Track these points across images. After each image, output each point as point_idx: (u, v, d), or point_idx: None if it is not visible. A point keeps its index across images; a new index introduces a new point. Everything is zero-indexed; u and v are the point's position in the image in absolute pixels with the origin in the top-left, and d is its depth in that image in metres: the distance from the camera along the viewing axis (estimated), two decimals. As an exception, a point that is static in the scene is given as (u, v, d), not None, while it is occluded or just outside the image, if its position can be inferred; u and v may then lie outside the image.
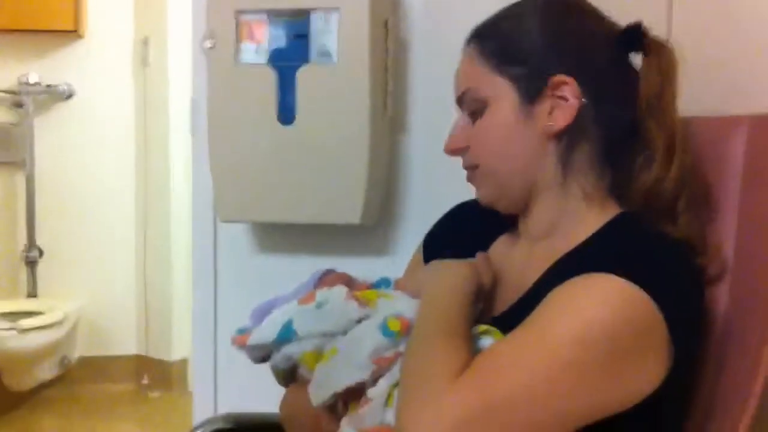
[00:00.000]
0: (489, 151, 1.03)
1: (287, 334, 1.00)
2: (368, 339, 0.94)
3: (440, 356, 0.85)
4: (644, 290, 0.84)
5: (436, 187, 1.72)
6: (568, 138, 0.99)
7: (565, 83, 0.98)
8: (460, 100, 1.06)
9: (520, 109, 1.00)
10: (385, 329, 0.93)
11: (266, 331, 1.02)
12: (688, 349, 0.89)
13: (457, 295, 0.95)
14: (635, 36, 1.01)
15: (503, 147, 1.02)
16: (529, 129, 1.00)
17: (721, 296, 0.95)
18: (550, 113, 0.99)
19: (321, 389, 0.95)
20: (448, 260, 1.04)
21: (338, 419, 0.95)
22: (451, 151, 1.06)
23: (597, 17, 1.04)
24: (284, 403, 1.08)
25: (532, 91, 0.99)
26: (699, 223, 0.97)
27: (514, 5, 1.06)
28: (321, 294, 1.02)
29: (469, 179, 1.08)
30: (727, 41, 1.10)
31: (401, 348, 0.92)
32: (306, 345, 0.99)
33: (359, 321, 0.97)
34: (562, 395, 0.83)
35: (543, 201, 1.03)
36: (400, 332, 0.93)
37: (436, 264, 1.06)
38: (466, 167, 1.07)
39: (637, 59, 1.02)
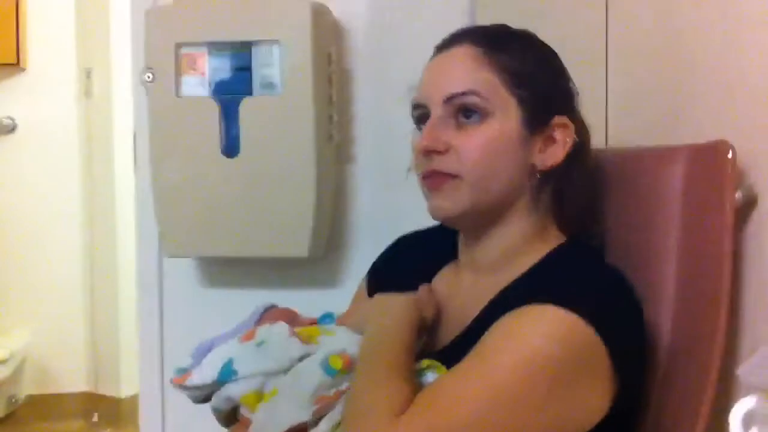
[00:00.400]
0: (480, 161, 0.98)
1: (227, 374, 0.98)
2: (310, 377, 0.93)
3: (383, 392, 0.85)
4: (584, 319, 0.85)
5: (384, 217, 1.71)
6: (544, 176, 1.01)
7: (565, 126, 1.00)
8: (450, 99, 0.99)
9: (521, 133, 0.99)
10: (326, 367, 0.92)
11: (206, 371, 1.00)
12: (632, 375, 0.91)
13: (399, 330, 0.95)
14: None
15: (495, 162, 0.98)
16: (520, 154, 0.99)
17: (664, 323, 0.96)
18: (541, 150, 1.00)
19: (263, 431, 0.93)
20: (389, 294, 1.03)
21: None
22: (428, 151, 0.99)
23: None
24: None
25: (536, 120, 0.99)
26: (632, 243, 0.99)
27: (516, 30, 1.06)
28: (262, 331, 1.01)
29: (432, 186, 1.00)
30: (665, 71, 1.12)
31: (343, 386, 0.91)
32: (247, 385, 0.97)
33: (301, 359, 0.95)
34: (508, 426, 0.83)
35: (504, 228, 1.02)
36: (342, 369, 0.92)
37: (378, 298, 1.05)
38: (435, 172, 1.00)
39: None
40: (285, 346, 0.97)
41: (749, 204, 0.91)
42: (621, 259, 1.01)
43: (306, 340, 0.98)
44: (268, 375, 0.96)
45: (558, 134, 1.00)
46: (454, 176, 0.98)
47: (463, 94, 0.98)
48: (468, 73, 0.99)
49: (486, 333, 0.88)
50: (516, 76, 0.99)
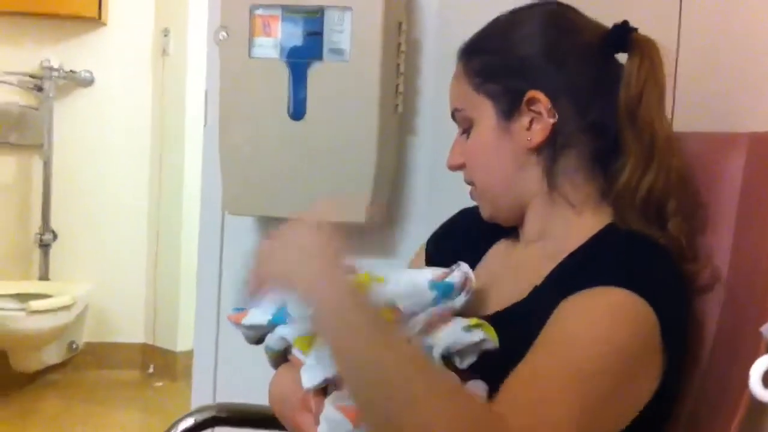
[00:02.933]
0: (478, 169, 1.07)
1: (281, 317, 1.01)
2: None
3: (442, 399, 0.76)
4: (646, 300, 0.86)
5: (442, 190, 1.71)
6: (550, 150, 1.01)
7: (537, 99, 1.00)
8: (453, 118, 1.10)
9: (499, 127, 1.03)
10: None
11: (261, 312, 1.03)
12: (676, 357, 0.91)
13: (350, 300, 0.83)
14: (619, 35, 1.02)
15: (488, 165, 1.05)
16: (509, 145, 1.03)
17: (713, 306, 0.96)
18: (528, 128, 1.01)
19: (313, 374, 0.95)
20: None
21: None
22: (451, 167, 1.11)
23: (581, 27, 1.04)
24: (274, 382, 1.08)
25: (509, 107, 1.02)
26: (688, 230, 0.98)
27: (500, 19, 1.08)
28: None
29: (471, 195, 1.12)
30: (733, 57, 1.10)
31: None
32: (299, 328, 1.00)
33: None
34: (598, 412, 0.83)
35: (533, 210, 1.05)
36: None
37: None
38: (467, 183, 1.10)
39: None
40: None
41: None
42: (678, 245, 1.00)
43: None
44: None
45: (537, 107, 1.00)
46: (474, 185, 1.09)
47: (453, 114, 1.10)
48: (453, 91, 1.10)
49: (552, 321, 0.88)
50: (480, 75, 1.04)
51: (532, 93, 1.00)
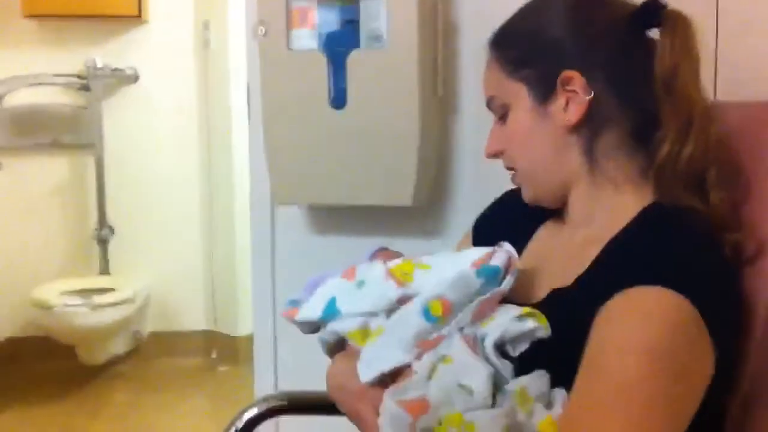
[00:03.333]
0: (518, 154, 1.08)
1: (332, 312, 1.04)
2: (412, 323, 0.97)
3: None
4: (687, 297, 0.86)
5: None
6: (588, 128, 1.02)
7: (572, 78, 1.00)
8: (489, 106, 1.11)
9: (535, 110, 1.04)
10: (427, 314, 0.96)
11: (312, 308, 1.06)
12: (726, 342, 0.90)
13: None
14: (651, 12, 1.01)
15: (527, 149, 1.06)
16: (547, 127, 1.03)
17: (763, 278, 0.95)
18: (565, 109, 1.01)
19: (369, 368, 0.98)
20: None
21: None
22: (489, 155, 1.12)
23: (608, 2, 1.05)
24: (331, 372, 1.10)
25: (544, 90, 1.03)
26: (731, 200, 0.97)
27: (527, 5, 1.09)
28: (360, 271, 1.06)
29: (513, 180, 1.12)
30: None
31: (444, 331, 0.95)
32: (351, 323, 1.03)
33: (399, 299, 0.99)
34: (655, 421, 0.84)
35: (576, 192, 1.06)
36: (442, 315, 0.95)
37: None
38: (507, 168, 1.12)
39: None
40: (382, 288, 1.01)
41: None
42: (722, 221, 1.00)
43: (401, 278, 1.01)
44: (369, 315, 1.02)
45: (573, 86, 1.01)
46: (515, 170, 1.11)
47: (488, 102, 1.11)
48: (487, 80, 1.11)
49: (595, 332, 0.88)
50: (513, 62, 1.05)
51: (566, 72, 1.01)
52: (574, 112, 1.01)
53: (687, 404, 0.87)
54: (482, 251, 1.02)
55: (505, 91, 1.07)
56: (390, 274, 1.02)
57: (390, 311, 1.01)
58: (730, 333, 0.92)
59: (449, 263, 1.02)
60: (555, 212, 1.13)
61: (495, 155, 1.12)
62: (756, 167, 0.99)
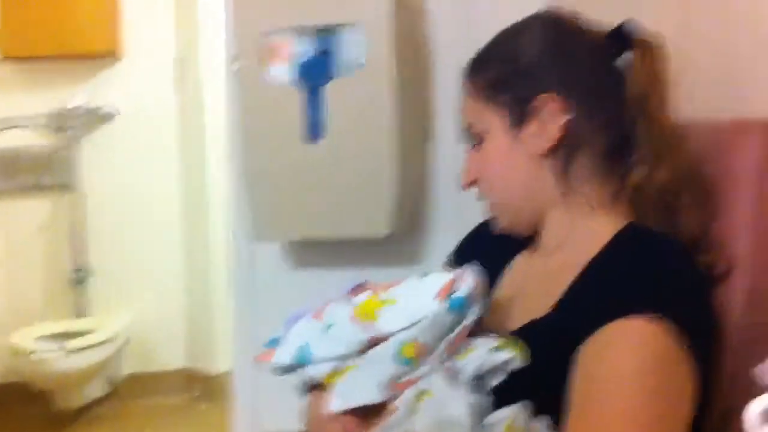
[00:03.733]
0: (492, 181, 1.08)
1: (303, 358, 1.02)
2: (386, 365, 0.95)
3: None
4: (668, 321, 0.87)
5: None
6: (563, 153, 1.02)
7: (547, 101, 1.00)
8: (465, 135, 1.11)
9: (510, 136, 1.04)
10: (399, 358, 0.94)
11: (284, 353, 1.04)
12: (706, 364, 0.91)
13: None
14: (622, 37, 1.03)
15: (503, 175, 1.06)
16: (521, 153, 1.03)
17: (734, 294, 0.96)
18: (540, 134, 1.02)
19: (341, 399, 0.97)
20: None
21: (359, 421, 0.96)
22: (465, 186, 1.12)
23: (583, 29, 1.06)
24: (310, 407, 1.07)
25: (519, 115, 1.03)
26: (702, 221, 0.98)
27: (501, 33, 1.10)
28: (328, 312, 1.04)
29: (487, 210, 1.13)
30: (733, 48, 1.10)
31: (415, 375, 0.94)
32: (324, 368, 1.00)
33: (370, 341, 0.97)
34: None
35: (551, 217, 1.06)
36: (416, 358, 0.94)
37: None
38: (481, 198, 1.12)
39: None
40: (349, 331, 0.99)
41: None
42: (694, 236, 1.00)
43: (365, 318, 1.00)
44: (342, 358, 0.99)
45: (547, 111, 1.01)
46: (488, 199, 1.10)
47: (465, 130, 1.11)
48: (463, 110, 1.11)
49: (581, 369, 0.89)
50: (488, 89, 1.06)
51: (542, 96, 1.01)
52: (549, 136, 1.01)
53: (679, 427, 0.88)
54: (446, 277, 1.00)
55: (481, 117, 1.07)
56: (354, 317, 1.00)
57: (362, 352, 0.99)
58: (709, 350, 0.92)
59: (414, 295, 1.00)
60: (530, 242, 1.12)
61: (471, 185, 1.11)
62: (725, 186, 0.99)
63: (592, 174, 1.02)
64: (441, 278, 1.01)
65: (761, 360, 0.89)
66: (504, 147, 1.05)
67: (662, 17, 1.20)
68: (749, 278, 0.95)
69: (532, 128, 1.02)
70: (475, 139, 1.09)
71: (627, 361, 0.87)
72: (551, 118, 1.01)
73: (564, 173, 1.03)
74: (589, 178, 1.02)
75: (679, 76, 1.01)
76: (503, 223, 1.10)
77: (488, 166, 1.07)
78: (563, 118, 1.00)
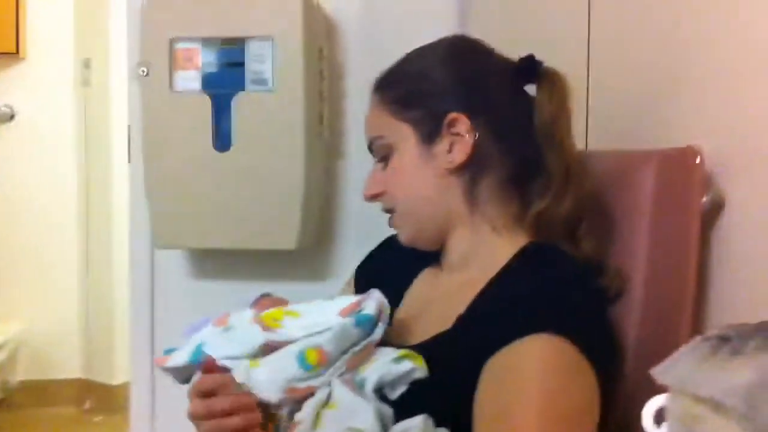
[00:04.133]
0: (400, 194, 1.08)
1: (198, 357, 1.01)
2: (286, 365, 0.95)
3: None
4: (570, 338, 0.89)
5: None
6: (470, 172, 1.04)
7: (457, 120, 1.03)
8: (370, 148, 1.11)
9: (421, 150, 1.05)
10: (302, 360, 0.94)
11: (181, 354, 1.03)
12: (607, 375, 0.93)
13: None
14: (529, 67, 1.06)
15: (411, 189, 1.07)
16: (431, 168, 1.05)
17: (629, 314, 0.99)
18: (449, 151, 1.04)
19: (240, 376, 0.96)
20: None
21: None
22: (368, 197, 1.12)
23: (491, 55, 1.09)
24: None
25: (430, 131, 1.04)
26: (602, 247, 1.02)
27: (413, 52, 1.11)
28: (233, 317, 1.04)
29: (390, 223, 1.12)
30: (642, 76, 1.15)
31: (315, 382, 0.94)
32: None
33: (265, 345, 0.97)
34: None
35: (456, 234, 1.07)
36: (317, 365, 0.94)
37: None
38: (385, 211, 1.12)
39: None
40: (248, 333, 0.99)
41: (716, 208, 0.94)
42: (595, 257, 1.04)
43: (269, 324, 1.00)
44: (234, 359, 0.99)
45: (458, 129, 1.03)
46: (393, 211, 1.10)
47: (371, 143, 1.11)
48: (370, 122, 1.12)
49: (485, 388, 0.90)
50: (399, 102, 1.07)
51: (452, 115, 1.03)
52: (458, 154, 1.03)
53: None
54: (350, 300, 1.02)
55: (389, 131, 1.07)
56: (257, 319, 1.00)
57: (255, 356, 0.99)
58: (609, 366, 0.95)
59: (317, 311, 1.01)
60: (435, 258, 1.14)
61: (374, 197, 1.12)
62: (625, 214, 1.03)
63: (497, 195, 1.05)
64: (346, 300, 1.03)
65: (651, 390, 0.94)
66: (413, 160, 1.06)
67: (567, 52, 1.25)
68: (643, 300, 0.98)
69: (441, 145, 1.04)
70: (381, 152, 1.10)
71: (533, 379, 0.89)
72: (460, 137, 1.03)
73: (470, 192, 1.05)
74: (494, 198, 1.05)
75: (595, 106, 1.04)
76: (406, 237, 1.11)
77: (395, 178, 1.08)
78: (471, 138, 1.03)
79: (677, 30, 1.05)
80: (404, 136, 1.06)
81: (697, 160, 0.93)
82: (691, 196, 0.93)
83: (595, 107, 1.21)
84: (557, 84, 1.04)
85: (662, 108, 1.09)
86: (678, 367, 0.58)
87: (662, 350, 0.93)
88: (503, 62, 1.08)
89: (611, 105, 1.18)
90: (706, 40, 0.98)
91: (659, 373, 0.59)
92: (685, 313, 0.92)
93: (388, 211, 1.12)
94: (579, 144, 1.10)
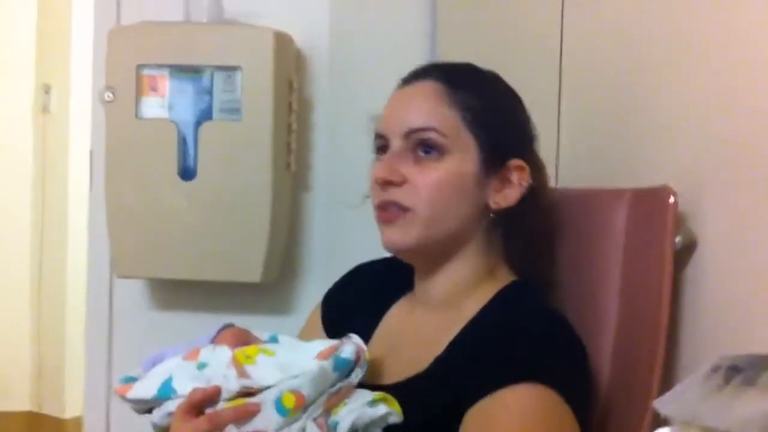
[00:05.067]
0: (433, 198, 0.99)
1: (166, 392, 0.98)
2: (262, 415, 0.93)
3: None
4: (551, 387, 0.88)
5: (338, 245, 1.72)
6: (499, 217, 1.02)
7: (521, 168, 1.02)
8: (410, 134, 1.00)
9: (477, 174, 1.00)
10: (279, 406, 0.92)
11: (146, 387, 1.00)
12: (583, 416, 0.93)
13: None
14: None
15: (449, 200, 1.00)
16: (475, 195, 1.01)
17: (604, 361, 0.99)
18: (498, 191, 1.01)
19: None
20: None
21: None
22: (382, 180, 1.00)
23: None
24: None
25: (493, 161, 1.01)
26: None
27: (479, 68, 1.08)
28: (204, 353, 1.01)
29: (386, 219, 1.01)
30: (613, 114, 1.16)
31: (294, 427, 0.91)
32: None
33: (240, 392, 0.94)
34: None
35: (452, 268, 1.04)
36: (294, 409, 0.92)
37: None
38: (389, 203, 1.01)
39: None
40: (223, 375, 0.96)
41: (688, 247, 0.95)
42: (568, 296, 1.04)
43: (243, 362, 0.97)
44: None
45: (514, 176, 1.01)
46: (407, 210, 0.99)
47: (423, 129, 0.99)
48: (429, 108, 1.01)
49: (473, 427, 0.89)
50: (477, 115, 1.00)
51: (521, 163, 1.02)
52: (506, 198, 1.01)
53: None
54: (328, 343, 1.00)
55: (452, 132, 1.00)
56: (234, 360, 0.97)
57: (230, 400, 0.96)
58: (585, 413, 0.94)
59: (292, 352, 0.99)
60: (404, 290, 1.11)
61: (389, 183, 1.00)
62: (595, 251, 1.04)
63: (503, 242, 1.04)
64: (323, 343, 1.00)
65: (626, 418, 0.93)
66: (461, 177, 0.99)
67: (546, 91, 1.25)
68: (614, 339, 0.99)
69: (494, 182, 1.01)
70: (429, 144, 0.99)
71: (518, 429, 0.87)
72: (511, 184, 1.02)
73: (491, 234, 1.03)
74: (500, 244, 1.04)
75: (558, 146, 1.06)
76: (406, 240, 1.00)
77: (432, 180, 0.99)
78: (521, 190, 1.01)
79: (650, 67, 1.06)
80: (465, 147, 1.00)
81: (671, 200, 0.93)
82: (664, 235, 0.93)
83: (566, 144, 1.22)
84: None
85: (633, 146, 1.10)
86: (684, 399, 0.56)
87: (633, 392, 0.94)
88: None
89: (581, 142, 1.19)
90: (679, 78, 0.99)
91: (662, 404, 0.58)
92: (658, 354, 0.92)
93: (395, 204, 1.00)
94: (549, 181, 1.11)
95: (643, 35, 1.08)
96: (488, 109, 1.02)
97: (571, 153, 1.21)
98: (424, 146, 1.00)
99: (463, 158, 1.00)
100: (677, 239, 0.94)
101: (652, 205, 0.96)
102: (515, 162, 1.01)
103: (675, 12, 1.01)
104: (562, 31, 1.26)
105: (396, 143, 1.01)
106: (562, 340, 0.95)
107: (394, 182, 1.00)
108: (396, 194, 1.00)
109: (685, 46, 0.98)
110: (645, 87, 1.07)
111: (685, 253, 0.95)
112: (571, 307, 1.02)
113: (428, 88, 1.02)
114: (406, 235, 1.00)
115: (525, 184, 1.01)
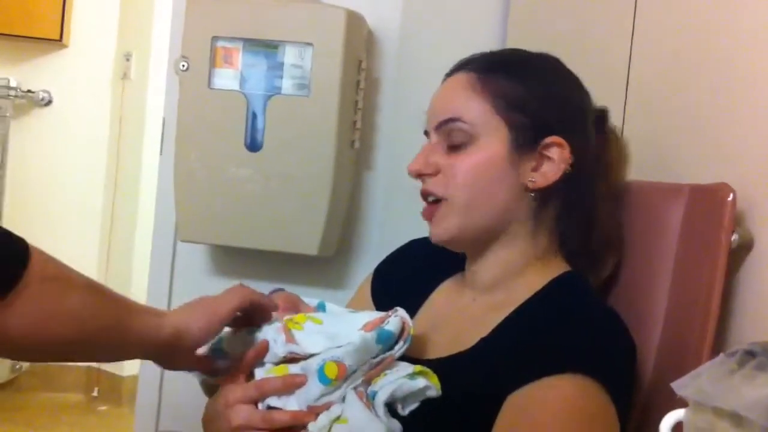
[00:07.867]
0: (465, 185, 1.01)
1: (216, 352, 1.02)
2: (307, 388, 0.95)
3: None
4: (596, 379, 0.88)
5: (396, 225, 1.74)
6: (543, 196, 1.02)
7: (560, 145, 1.01)
8: (440, 126, 1.03)
9: (509, 155, 1.01)
10: (321, 374, 0.94)
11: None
12: (625, 412, 0.93)
13: None
14: (604, 119, 1.09)
15: (482, 185, 1.01)
16: (510, 176, 1.01)
17: (649, 355, 0.99)
18: (534, 169, 1.01)
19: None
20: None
21: None
22: (417, 172, 1.04)
23: (587, 93, 1.08)
24: (208, 403, 1.04)
25: (526, 141, 1.01)
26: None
27: (523, 53, 1.09)
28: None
29: (427, 213, 1.05)
30: (677, 111, 1.14)
31: (333, 396, 0.93)
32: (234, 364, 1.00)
33: (285, 357, 0.97)
34: None
35: (499, 252, 1.04)
36: (335, 378, 0.93)
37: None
38: (427, 195, 1.04)
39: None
40: (273, 339, 0.98)
41: (745, 247, 0.93)
42: (618, 288, 1.04)
43: (292, 327, 0.99)
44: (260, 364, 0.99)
45: (553, 153, 1.01)
46: (442, 199, 1.02)
47: (451, 120, 1.02)
48: (457, 100, 1.03)
49: (515, 412, 0.89)
50: (509, 99, 1.01)
51: (558, 139, 1.01)
52: (545, 176, 1.01)
53: None
54: (375, 315, 1.01)
55: (479, 119, 1.01)
56: (284, 326, 0.99)
57: (277, 364, 0.98)
58: (627, 409, 0.94)
59: (340, 322, 1.01)
60: (455, 268, 1.12)
61: (422, 176, 1.04)
62: (650, 245, 1.03)
63: (554, 225, 1.04)
64: (371, 315, 1.02)
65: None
66: (494, 160, 1.00)
67: (606, 88, 1.24)
68: (661, 334, 0.98)
69: (530, 161, 1.01)
70: (456, 135, 1.02)
71: (559, 419, 0.87)
72: (551, 161, 1.01)
73: (536, 216, 1.03)
74: (552, 227, 1.04)
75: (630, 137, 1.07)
76: (447, 231, 1.03)
77: (465, 167, 1.00)
78: (562, 168, 1.01)
79: (715, 63, 1.04)
80: (494, 131, 1.00)
81: (730, 197, 0.91)
82: (720, 233, 0.91)
83: (629, 135, 1.21)
84: (620, 141, 1.10)
85: (698, 143, 1.08)
86: (699, 381, 0.57)
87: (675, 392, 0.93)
88: (590, 102, 1.09)
89: (644, 133, 1.18)
90: (743, 76, 0.97)
91: (679, 386, 0.58)
92: (703, 355, 0.91)
93: (430, 194, 1.03)
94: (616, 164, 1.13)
95: (710, 30, 1.06)
96: (521, 92, 1.02)
97: (634, 145, 1.20)
98: (452, 138, 1.02)
99: (491, 141, 1.01)
100: (733, 237, 0.92)
101: (709, 202, 0.95)
102: (551, 138, 1.00)
103: (742, 8, 0.99)
104: (634, 21, 1.25)
105: (433, 137, 1.05)
106: (613, 334, 0.95)
107: (426, 173, 1.03)
108: (430, 184, 1.03)
109: (751, 42, 0.96)
110: (708, 83, 1.05)
111: (741, 252, 0.93)
112: (619, 299, 1.02)
113: (461, 79, 1.04)
114: (446, 226, 1.03)
115: (566, 160, 1.01)
